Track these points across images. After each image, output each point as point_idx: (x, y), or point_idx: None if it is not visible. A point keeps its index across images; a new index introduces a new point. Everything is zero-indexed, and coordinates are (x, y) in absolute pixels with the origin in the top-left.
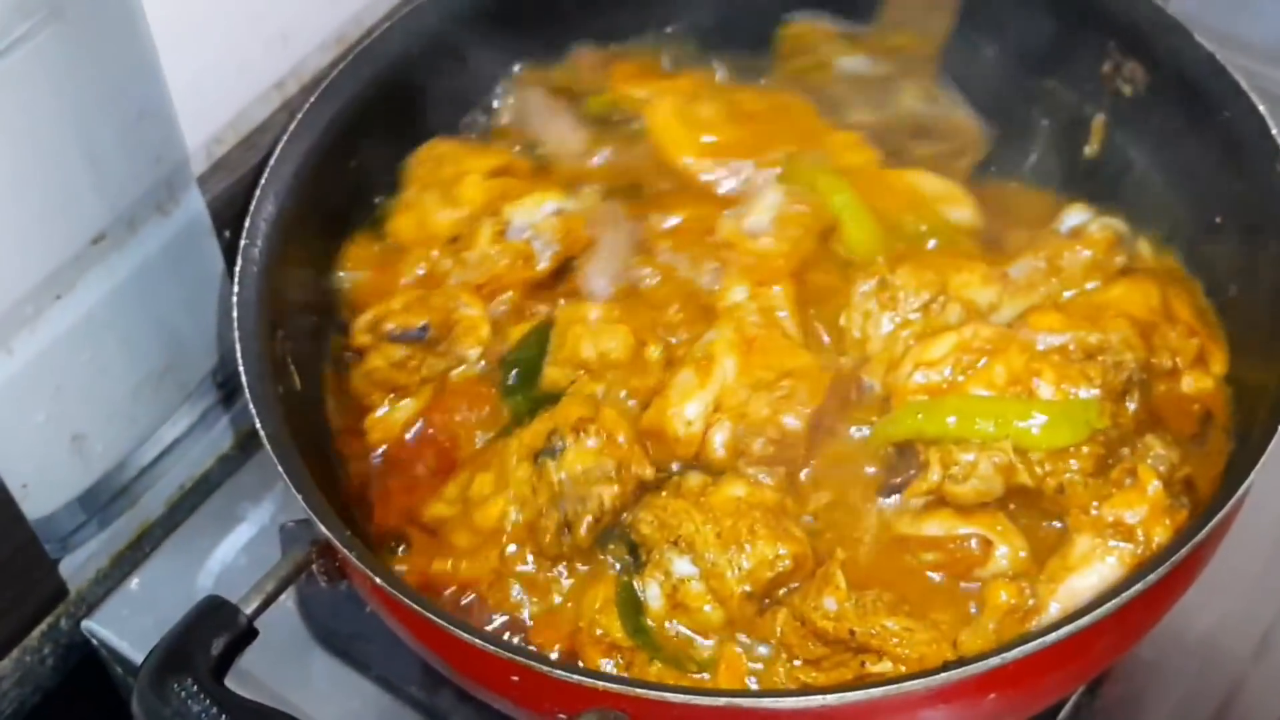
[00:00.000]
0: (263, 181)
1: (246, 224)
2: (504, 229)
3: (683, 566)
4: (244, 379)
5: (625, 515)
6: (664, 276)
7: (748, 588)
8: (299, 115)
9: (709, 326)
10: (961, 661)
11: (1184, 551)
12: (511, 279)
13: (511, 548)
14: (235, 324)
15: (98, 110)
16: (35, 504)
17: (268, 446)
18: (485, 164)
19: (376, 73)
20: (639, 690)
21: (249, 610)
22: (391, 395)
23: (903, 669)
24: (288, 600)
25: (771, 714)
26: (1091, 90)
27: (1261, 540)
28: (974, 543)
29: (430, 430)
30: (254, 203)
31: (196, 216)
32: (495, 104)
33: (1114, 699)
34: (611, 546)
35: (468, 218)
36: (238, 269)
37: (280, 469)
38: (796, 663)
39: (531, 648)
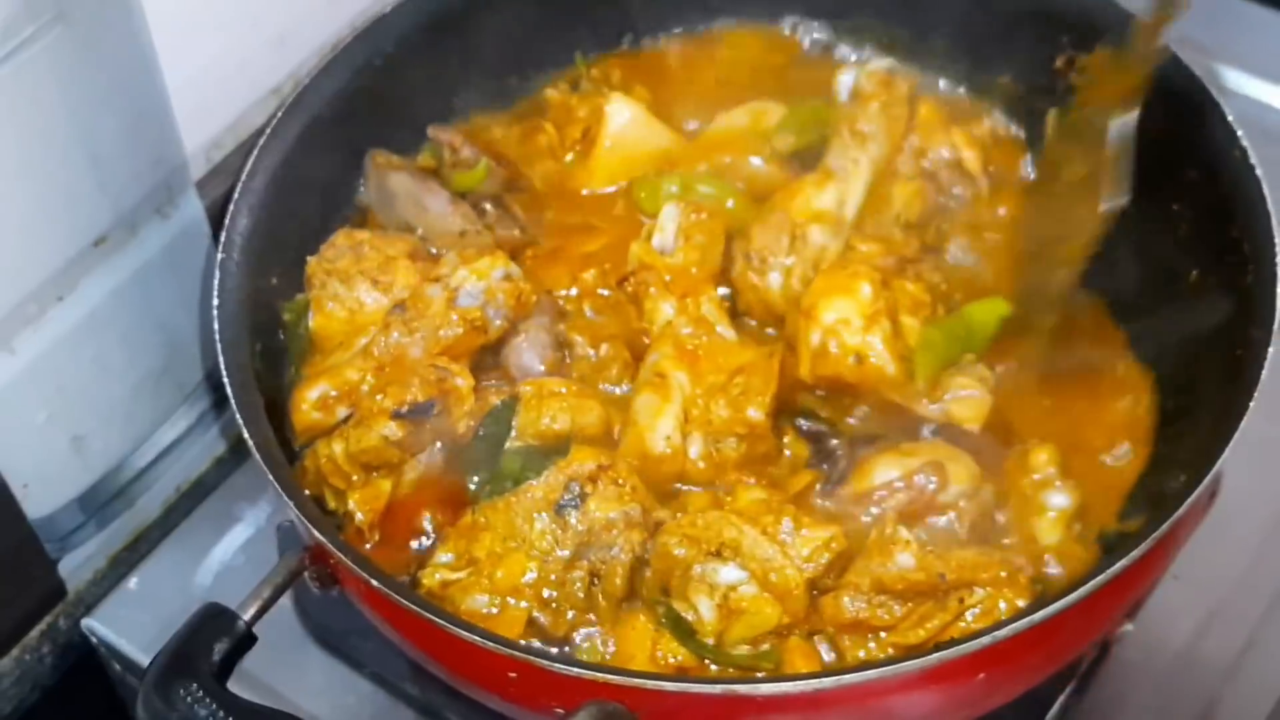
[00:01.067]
0: (235, 195)
1: (222, 237)
2: (454, 295)
3: (730, 574)
4: (228, 389)
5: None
6: (590, 337)
7: (809, 568)
8: (268, 129)
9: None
10: (952, 642)
11: (1164, 528)
12: (464, 347)
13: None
14: (216, 336)
15: (100, 111)
16: (35, 504)
17: (255, 455)
18: (405, 248)
19: (343, 84)
20: (636, 680)
21: (247, 616)
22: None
23: (998, 596)
24: (284, 598)
25: (769, 699)
26: (1044, 85)
27: (1243, 540)
28: (923, 477)
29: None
30: (228, 216)
31: (195, 220)
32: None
33: (1100, 700)
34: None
35: (393, 302)
36: (215, 282)
37: (270, 477)
38: (883, 635)
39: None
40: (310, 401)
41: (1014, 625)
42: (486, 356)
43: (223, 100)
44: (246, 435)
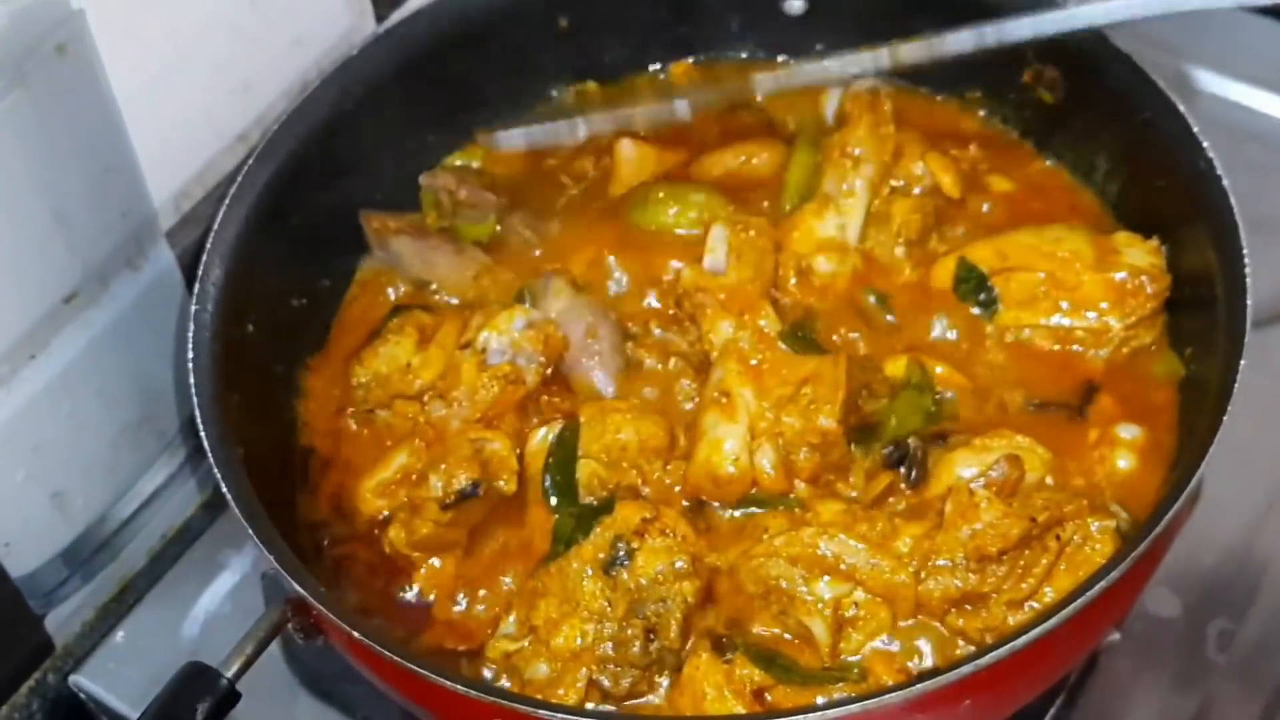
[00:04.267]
0: (208, 246)
1: (196, 289)
2: (483, 358)
3: (834, 589)
4: (205, 443)
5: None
6: (660, 354)
7: (914, 566)
8: (238, 178)
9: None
10: (936, 671)
11: (1145, 544)
12: (505, 403)
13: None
14: (192, 390)
15: (64, 169)
16: (17, 561)
17: (234, 509)
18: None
19: (311, 129)
20: None
21: (230, 674)
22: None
23: (1087, 524)
24: (274, 647)
25: None
26: (1014, 100)
27: (1227, 541)
28: (1002, 466)
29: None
30: (201, 267)
31: (167, 270)
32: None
33: (1090, 712)
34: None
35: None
36: (190, 334)
37: (249, 530)
38: (993, 598)
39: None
40: (372, 491)
41: (996, 652)
42: (553, 377)
43: (190, 149)
44: (225, 490)
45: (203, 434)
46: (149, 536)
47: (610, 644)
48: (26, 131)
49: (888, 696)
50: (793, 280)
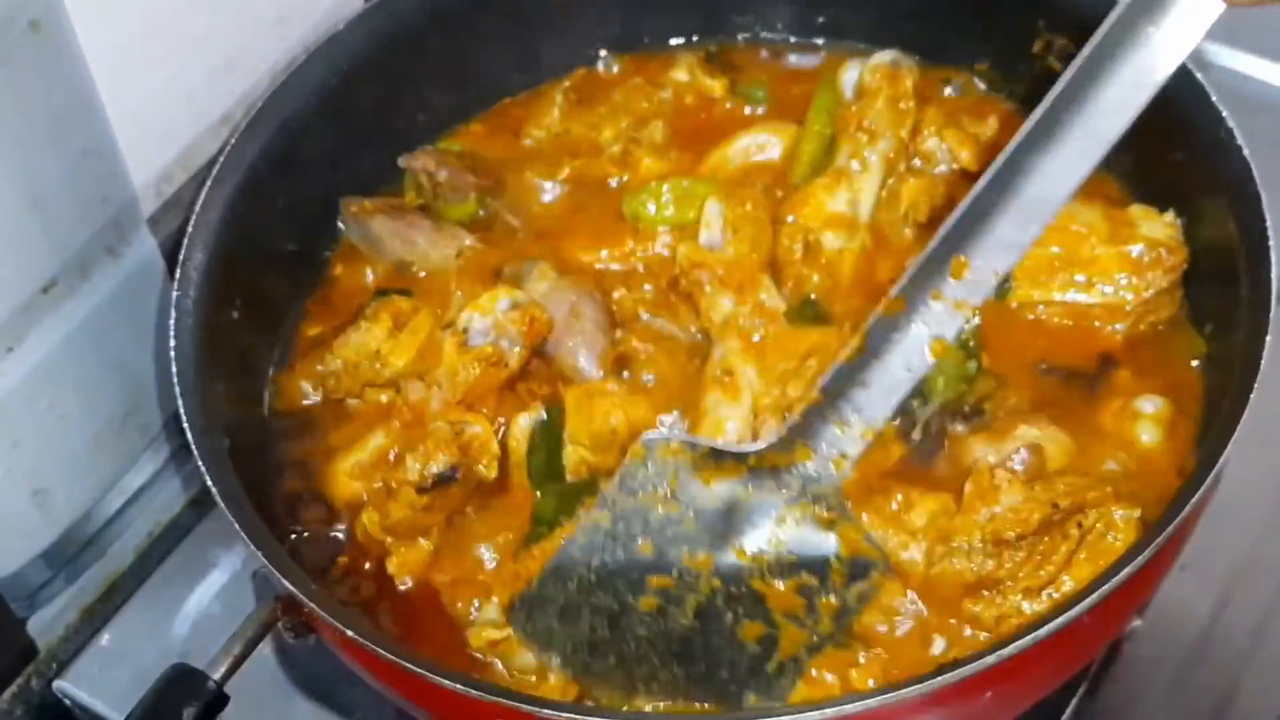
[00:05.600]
0: (190, 230)
1: (177, 274)
2: (464, 339)
3: None
4: (189, 435)
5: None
6: (655, 342)
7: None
8: (221, 158)
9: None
10: (956, 663)
11: (1170, 530)
12: (486, 385)
13: None
14: (175, 379)
15: (39, 152)
16: None
17: (221, 505)
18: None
19: (299, 107)
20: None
21: (217, 676)
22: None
23: (1110, 511)
24: (265, 647)
25: None
26: (1024, 72)
27: (1248, 524)
28: (1024, 454)
29: None
30: (183, 251)
31: (149, 257)
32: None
33: (1114, 700)
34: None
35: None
36: (171, 321)
37: (236, 526)
38: (1009, 584)
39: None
40: (347, 473)
41: (1020, 641)
42: (534, 360)
43: (171, 132)
44: (210, 484)
45: (185, 424)
46: (135, 535)
47: None
48: None
49: (907, 690)
50: (798, 251)
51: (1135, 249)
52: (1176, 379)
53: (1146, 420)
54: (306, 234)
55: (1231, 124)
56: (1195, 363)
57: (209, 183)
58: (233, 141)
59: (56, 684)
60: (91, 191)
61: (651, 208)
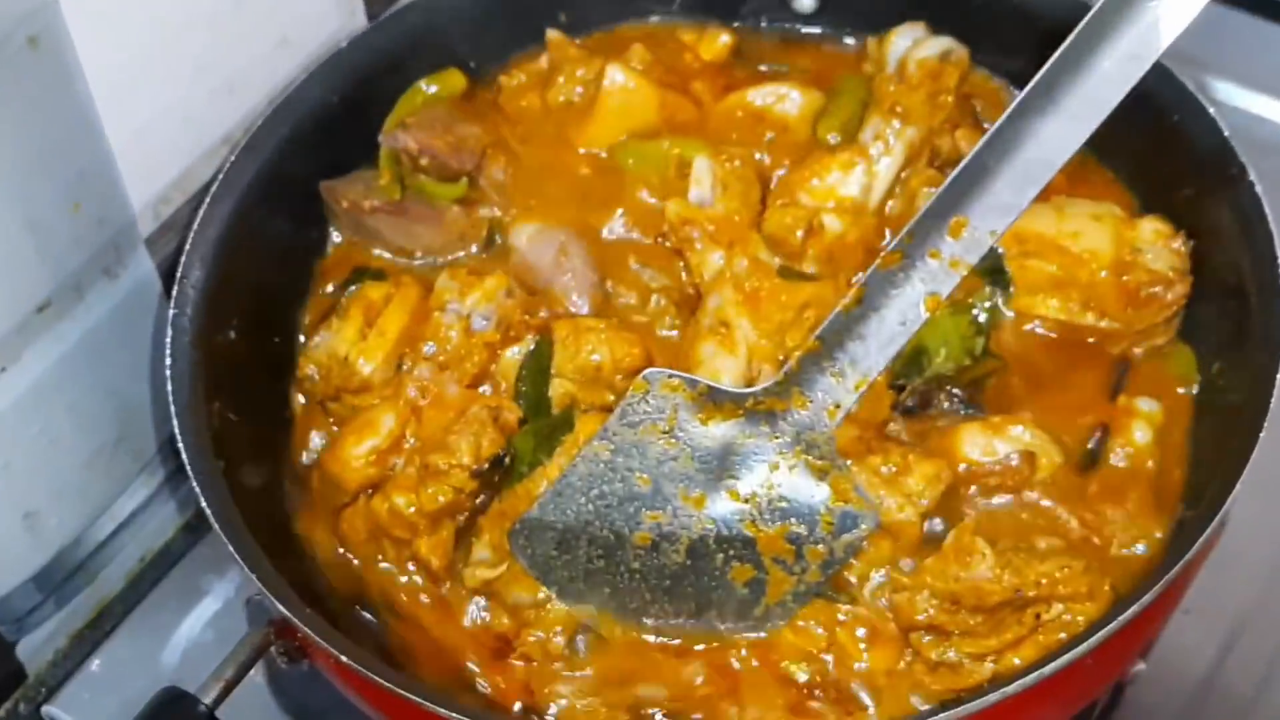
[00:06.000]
0: (187, 248)
1: (174, 293)
2: (468, 324)
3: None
4: (184, 456)
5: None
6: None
7: (924, 504)
8: (219, 176)
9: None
10: (959, 700)
11: (1175, 571)
12: (486, 366)
13: None
14: (170, 399)
15: (36, 171)
16: None
17: (216, 529)
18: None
19: (296, 126)
20: None
21: (209, 700)
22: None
23: (1076, 608)
24: (257, 675)
25: None
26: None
27: (1253, 569)
28: (1014, 459)
29: None
30: (180, 270)
31: (145, 279)
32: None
33: None
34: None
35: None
36: (168, 340)
37: (232, 550)
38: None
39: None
40: (360, 457)
41: (1023, 680)
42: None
43: (170, 153)
44: (205, 507)
45: (180, 444)
46: (126, 560)
47: None
48: None
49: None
50: (799, 234)
51: (1136, 283)
52: (1168, 404)
53: (1143, 419)
54: (304, 252)
55: (1244, 160)
56: (1182, 390)
57: (207, 201)
58: (231, 160)
59: (45, 709)
60: (89, 212)
61: (634, 161)
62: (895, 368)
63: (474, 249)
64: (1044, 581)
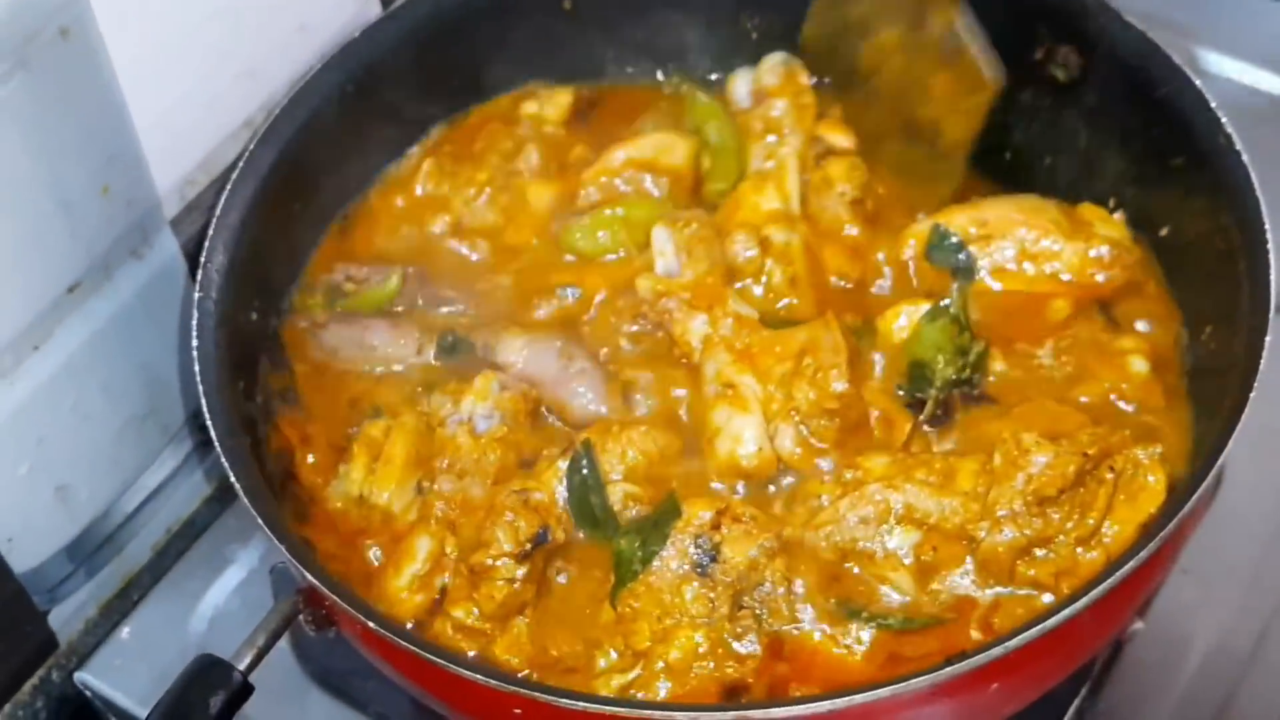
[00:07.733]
0: (211, 231)
1: (199, 276)
2: (471, 427)
3: (909, 537)
4: (213, 433)
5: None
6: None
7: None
8: (240, 162)
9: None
10: (963, 655)
11: (1171, 526)
12: (508, 464)
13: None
14: (198, 378)
15: (67, 157)
16: (21, 557)
17: (243, 499)
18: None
19: (316, 111)
20: (646, 712)
21: (242, 666)
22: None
23: (1147, 447)
24: (282, 641)
25: None
26: (1022, 78)
27: (1250, 528)
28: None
29: None
30: (204, 254)
31: (171, 259)
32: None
33: (1116, 700)
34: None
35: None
36: (194, 322)
37: (259, 521)
38: (1060, 539)
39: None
40: (403, 588)
41: (1025, 634)
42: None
43: (194, 137)
44: (233, 479)
45: (209, 423)
46: (153, 531)
47: (724, 638)
48: (29, 118)
49: (915, 681)
50: (754, 251)
51: (1095, 251)
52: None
53: (1139, 343)
54: (322, 232)
55: (1230, 130)
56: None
57: (229, 186)
58: (252, 146)
59: (77, 676)
60: (118, 194)
61: (585, 240)
62: (904, 385)
63: (430, 355)
64: (1095, 439)
